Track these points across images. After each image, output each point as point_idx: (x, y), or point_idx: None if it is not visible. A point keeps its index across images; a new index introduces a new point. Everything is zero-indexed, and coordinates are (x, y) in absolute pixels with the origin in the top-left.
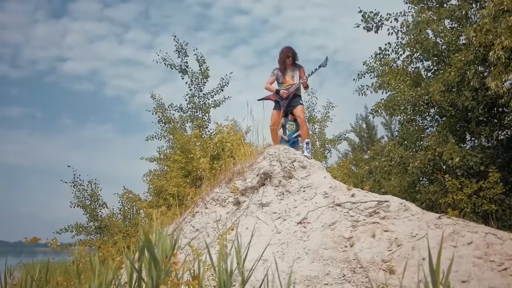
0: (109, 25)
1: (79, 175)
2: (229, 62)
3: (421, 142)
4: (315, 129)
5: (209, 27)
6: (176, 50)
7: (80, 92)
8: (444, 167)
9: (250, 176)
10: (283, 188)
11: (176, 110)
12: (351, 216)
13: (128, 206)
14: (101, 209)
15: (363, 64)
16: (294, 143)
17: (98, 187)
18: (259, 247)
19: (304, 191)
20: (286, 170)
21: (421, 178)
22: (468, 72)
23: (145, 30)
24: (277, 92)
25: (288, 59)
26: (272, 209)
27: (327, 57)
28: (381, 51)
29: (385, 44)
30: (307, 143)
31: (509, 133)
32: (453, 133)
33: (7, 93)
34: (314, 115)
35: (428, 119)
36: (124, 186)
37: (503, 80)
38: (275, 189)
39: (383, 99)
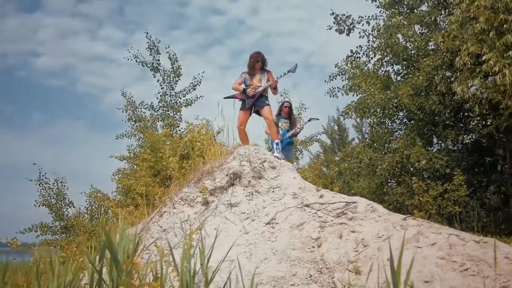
0: (82, 21)
1: (45, 173)
2: (204, 61)
3: (390, 145)
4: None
5: (184, 26)
6: (148, 48)
7: (52, 88)
8: (411, 169)
9: (219, 176)
10: (253, 188)
11: (147, 109)
12: (319, 217)
13: (96, 206)
14: (67, 208)
15: (335, 67)
16: (289, 144)
17: (64, 185)
18: (227, 248)
19: (273, 191)
20: (256, 170)
21: (389, 180)
22: (436, 76)
23: (119, 28)
24: (244, 91)
25: (258, 63)
26: (240, 209)
27: (296, 64)
28: (352, 54)
29: (357, 47)
30: (277, 144)
31: (473, 137)
32: (421, 137)
33: None
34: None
35: (397, 122)
36: (91, 185)
37: (469, 85)
38: (244, 189)
39: (353, 101)
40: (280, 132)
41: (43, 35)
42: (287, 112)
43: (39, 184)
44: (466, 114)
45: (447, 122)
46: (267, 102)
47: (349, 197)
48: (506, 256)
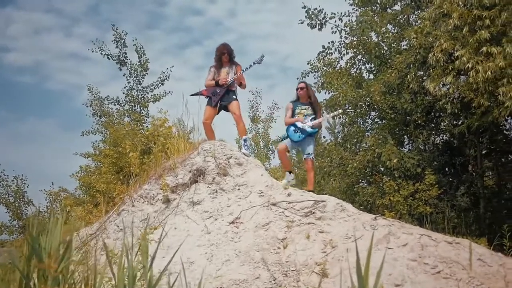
0: (56, 17)
1: (3, 170)
2: (181, 61)
3: (361, 144)
4: (258, 129)
5: (162, 26)
6: (114, 40)
7: (22, 84)
8: (382, 169)
9: (182, 173)
10: (217, 186)
11: (113, 103)
12: (286, 216)
13: (57, 204)
14: (26, 207)
15: (308, 64)
16: (311, 135)
17: (25, 183)
18: (186, 248)
19: (239, 189)
20: (221, 167)
21: (360, 180)
22: (408, 75)
23: (95, 25)
24: (217, 83)
25: (224, 56)
26: (203, 208)
27: (262, 55)
28: (324, 50)
29: (329, 43)
30: (245, 140)
31: (445, 137)
32: (392, 136)
33: None
34: (258, 114)
35: (369, 122)
36: (52, 183)
37: (441, 83)
38: (208, 187)
39: (325, 99)
40: (300, 120)
41: (14, 30)
42: (305, 95)
43: None
44: (437, 114)
45: (419, 122)
46: (234, 97)
47: (318, 196)
48: (479, 258)
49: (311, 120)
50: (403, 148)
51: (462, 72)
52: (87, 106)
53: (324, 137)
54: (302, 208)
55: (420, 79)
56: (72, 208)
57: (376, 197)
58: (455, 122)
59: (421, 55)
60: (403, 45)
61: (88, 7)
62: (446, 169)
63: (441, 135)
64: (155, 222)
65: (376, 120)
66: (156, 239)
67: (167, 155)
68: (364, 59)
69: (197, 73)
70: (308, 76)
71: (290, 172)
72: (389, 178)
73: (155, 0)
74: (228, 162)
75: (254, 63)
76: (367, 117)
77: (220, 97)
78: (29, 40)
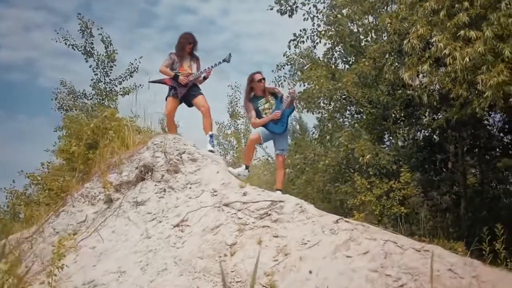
0: (47, 15)
1: None
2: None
3: (334, 140)
4: (237, 125)
5: (154, 24)
6: (80, 30)
7: (12, 82)
8: (357, 166)
9: (127, 169)
10: (166, 184)
11: (79, 97)
12: (239, 218)
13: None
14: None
15: (283, 55)
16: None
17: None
18: (121, 256)
19: (190, 187)
20: (172, 163)
21: (336, 178)
22: (385, 66)
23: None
24: (176, 77)
25: (189, 45)
26: (147, 209)
27: (230, 54)
28: (296, 38)
29: (300, 30)
30: (211, 136)
31: (425, 132)
32: (371, 132)
33: None
34: (237, 110)
35: (349, 117)
36: (13, 180)
37: (417, 71)
38: (155, 185)
39: (299, 92)
40: (268, 111)
41: (4, 27)
42: (263, 87)
43: None
44: (417, 107)
45: (397, 116)
46: (200, 91)
47: (276, 195)
48: (450, 268)
49: (280, 103)
50: (384, 146)
51: (439, 60)
52: (52, 99)
53: (299, 134)
54: (258, 209)
55: (397, 70)
56: (19, 208)
57: (350, 196)
58: (434, 116)
59: (396, 43)
60: (384, 37)
61: (79, 5)
62: (426, 166)
63: (422, 130)
64: (94, 225)
65: (354, 115)
66: (91, 245)
67: (113, 150)
68: (340, 49)
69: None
70: (283, 68)
71: (247, 167)
72: (363, 176)
73: None
74: (181, 157)
75: (222, 61)
76: (344, 111)
77: (186, 91)
78: (19, 37)
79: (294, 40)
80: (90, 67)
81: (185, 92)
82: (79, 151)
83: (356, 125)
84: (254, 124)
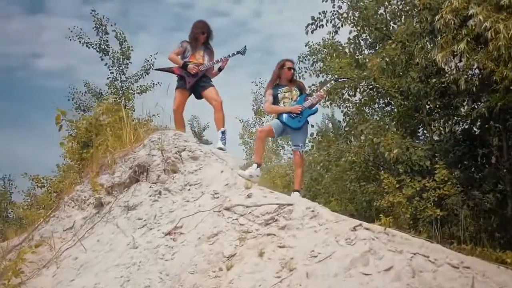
0: (86, 23)
1: None
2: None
3: (358, 133)
4: (263, 123)
5: (188, 28)
6: (95, 27)
7: (52, 89)
8: (385, 163)
9: (120, 170)
10: (161, 186)
11: (95, 96)
12: (241, 224)
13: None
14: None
15: (306, 46)
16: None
17: (12, 184)
18: (100, 269)
19: (189, 189)
20: (169, 162)
21: (361, 177)
22: (415, 48)
23: (123, 28)
24: (185, 66)
25: (203, 35)
26: (138, 214)
27: (245, 46)
28: (314, 21)
29: (319, 13)
30: (223, 133)
31: (465, 125)
32: (402, 125)
33: None
34: (262, 107)
35: (378, 111)
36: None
37: (452, 52)
38: (150, 187)
39: (320, 82)
40: (289, 102)
41: (46, 36)
42: (291, 76)
43: None
44: (454, 95)
45: (431, 107)
46: (211, 83)
47: (285, 197)
48: None
49: (302, 99)
50: (418, 141)
51: (479, 38)
52: (68, 100)
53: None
54: (263, 213)
55: (429, 54)
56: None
57: (377, 197)
58: (474, 105)
59: (427, 22)
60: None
61: (117, 12)
62: (465, 162)
63: (460, 122)
64: (81, 232)
65: (384, 108)
66: (74, 256)
67: (107, 148)
68: (365, 35)
69: (225, 74)
70: (306, 60)
71: (258, 166)
72: (391, 174)
73: (181, 3)
74: (180, 156)
75: (237, 53)
76: (372, 104)
77: (196, 81)
78: (59, 45)
79: (312, 24)
80: (105, 65)
81: (194, 83)
82: (71, 151)
83: (386, 118)
84: (268, 109)
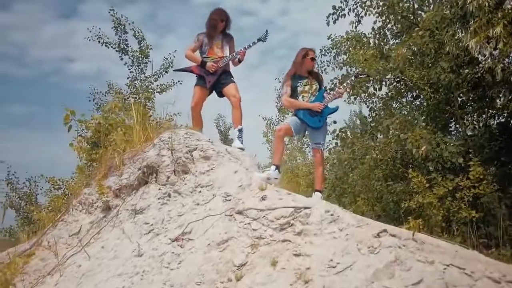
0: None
1: (15, 172)
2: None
3: (386, 129)
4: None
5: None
6: (114, 27)
7: (84, 92)
8: (413, 160)
9: (128, 171)
10: (171, 188)
11: (116, 97)
12: (254, 230)
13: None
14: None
15: (328, 39)
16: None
17: (37, 185)
18: (102, 279)
19: (200, 191)
20: (180, 162)
21: (391, 175)
22: (445, 36)
23: (152, 31)
24: (203, 64)
25: (221, 23)
26: (145, 218)
27: (267, 31)
28: (335, 11)
29: (341, 2)
30: (240, 131)
31: (501, 118)
32: (433, 120)
33: (12, 92)
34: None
35: (407, 105)
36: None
37: (487, 37)
38: (159, 189)
39: (342, 74)
40: (310, 98)
41: (78, 40)
42: (312, 67)
43: (7, 184)
44: (488, 86)
45: (464, 99)
46: (231, 78)
47: (301, 199)
48: None
49: (322, 94)
50: (449, 136)
51: None
52: (89, 100)
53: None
54: (278, 217)
55: (461, 42)
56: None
57: (406, 197)
58: (510, 96)
59: (458, 7)
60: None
61: (145, 15)
62: (502, 158)
63: (496, 115)
64: (86, 237)
65: (412, 102)
66: (78, 263)
67: (116, 148)
68: (390, 24)
69: (251, 72)
70: (329, 53)
71: (277, 168)
72: (421, 172)
73: (208, 3)
74: (191, 155)
75: (257, 41)
76: (399, 98)
77: (216, 79)
78: (90, 49)
79: (333, 14)
80: (125, 64)
81: (214, 82)
82: (80, 151)
83: (414, 113)
84: (286, 102)
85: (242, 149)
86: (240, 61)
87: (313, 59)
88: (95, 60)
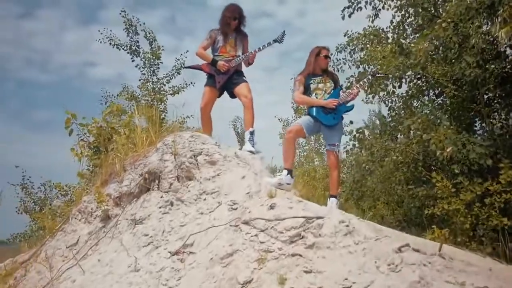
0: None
1: (29, 177)
2: (252, 64)
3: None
4: None
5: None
6: (125, 28)
7: (105, 96)
8: (437, 162)
9: (129, 177)
10: (173, 196)
11: (127, 99)
12: (261, 242)
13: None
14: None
15: (344, 36)
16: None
17: (52, 190)
18: None
19: (204, 199)
20: (184, 168)
21: (413, 178)
22: (470, 28)
23: (171, 35)
24: (214, 62)
25: (234, 21)
26: (145, 229)
27: (284, 32)
28: (351, 4)
29: None
30: (251, 133)
31: None
32: (456, 119)
33: (37, 97)
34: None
35: (428, 104)
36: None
37: None
38: (161, 197)
39: (359, 71)
40: (324, 96)
41: (98, 45)
42: (326, 66)
43: (22, 189)
44: None
45: (491, 96)
46: (244, 78)
47: (316, 208)
48: None
49: (338, 93)
50: (475, 136)
51: None
52: (101, 104)
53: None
54: (287, 228)
55: (488, 34)
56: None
57: (430, 203)
58: None
59: None
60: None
61: (165, 18)
62: None
63: None
64: (84, 249)
65: (434, 100)
66: (73, 278)
67: (116, 153)
68: (409, 17)
69: (269, 75)
70: (344, 50)
71: (289, 172)
72: (445, 175)
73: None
74: (196, 160)
75: (273, 42)
76: (421, 96)
77: (227, 79)
78: (110, 54)
79: (349, 7)
80: (136, 66)
81: (224, 82)
82: (80, 156)
83: (437, 111)
84: (298, 99)
85: (253, 152)
86: (250, 63)
87: (326, 56)
88: (116, 64)
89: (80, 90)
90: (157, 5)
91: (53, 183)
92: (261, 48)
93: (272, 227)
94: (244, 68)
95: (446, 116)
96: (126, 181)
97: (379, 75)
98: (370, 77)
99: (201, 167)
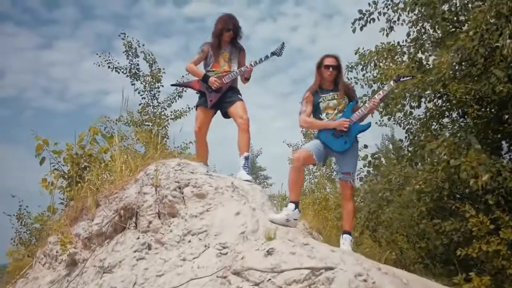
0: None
1: (27, 207)
2: (266, 89)
3: (431, 154)
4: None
5: (248, 58)
6: (125, 51)
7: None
8: (465, 191)
9: (101, 214)
10: (152, 237)
11: (127, 125)
12: None
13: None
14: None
15: (355, 54)
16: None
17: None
18: None
19: (189, 241)
20: (165, 203)
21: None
22: (501, 37)
23: (186, 62)
24: (205, 78)
25: (228, 33)
26: (113, 281)
27: (283, 43)
28: (363, 15)
29: (369, 4)
30: (246, 159)
31: None
32: (484, 142)
33: (52, 125)
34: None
35: (449, 126)
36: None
37: None
38: (138, 238)
39: (373, 90)
40: (336, 116)
41: (113, 74)
42: (333, 77)
43: (17, 220)
44: None
45: None
46: (239, 96)
47: (325, 254)
48: None
49: (351, 109)
50: (502, 160)
51: None
52: (103, 127)
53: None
54: (288, 282)
55: None
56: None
57: (461, 239)
58: None
59: None
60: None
61: (179, 47)
62: None
63: None
64: None
65: (457, 121)
66: None
67: (90, 186)
68: (425, 31)
69: (283, 101)
70: (355, 70)
71: (296, 206)
72: (476, 208)
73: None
74: (181, 193)
75: (271, 54)
76: (441, 118)
77: (219, 97)
78: (126, 82)
79: (360, 19)
80: (135, 90)
81: (217, 101)
82: (50, 189)
83: (458, 129)
84: (304, 124)
85: (250, 181)
86: (247, 79)
87: (328, 66)
88: (127, 91)
89: (95, 116)
90: (172, 34)
91: (33, 216)
92: (258, 61)
93: (269, 279)
94: (248, 87)
95: (475, 139)
96: (97, 218)
97: (406, 78)
98: (392, 83)
99: (188, 201)
